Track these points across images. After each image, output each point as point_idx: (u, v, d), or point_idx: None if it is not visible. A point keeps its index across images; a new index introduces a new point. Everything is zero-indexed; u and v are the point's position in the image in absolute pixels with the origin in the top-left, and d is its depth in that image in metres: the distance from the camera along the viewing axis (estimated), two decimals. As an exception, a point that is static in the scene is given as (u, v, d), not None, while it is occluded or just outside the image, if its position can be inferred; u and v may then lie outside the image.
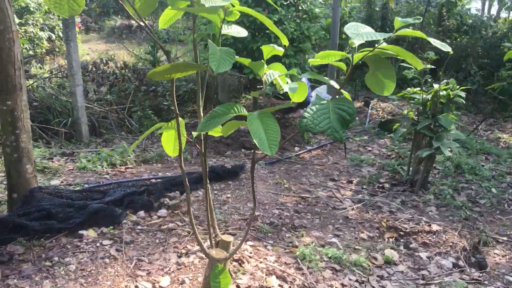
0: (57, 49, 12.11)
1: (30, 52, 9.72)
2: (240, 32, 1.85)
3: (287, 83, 1.94)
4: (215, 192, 4.31)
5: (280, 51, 1.79)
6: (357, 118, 7.49)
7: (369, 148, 6.09)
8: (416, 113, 4.76)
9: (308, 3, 6.17)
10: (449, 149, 4.39)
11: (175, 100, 1.93)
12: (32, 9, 10.97)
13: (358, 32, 1.64)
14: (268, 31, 5.70)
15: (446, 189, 4.71)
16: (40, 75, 6.83)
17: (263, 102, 7.45)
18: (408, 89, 4.80)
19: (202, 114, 2.11)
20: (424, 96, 4.58)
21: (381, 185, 4.94)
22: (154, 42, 6.83)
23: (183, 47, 9.47)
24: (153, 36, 1.81)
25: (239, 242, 2.25)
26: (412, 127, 4.72)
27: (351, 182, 4.97)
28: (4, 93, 3.01)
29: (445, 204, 4.46)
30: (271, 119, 1.66)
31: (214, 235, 2.29)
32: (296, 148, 5.94)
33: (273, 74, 1.90)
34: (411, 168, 4.94)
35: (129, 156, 4.92)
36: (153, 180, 4.37)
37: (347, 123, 1.58)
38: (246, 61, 1.93)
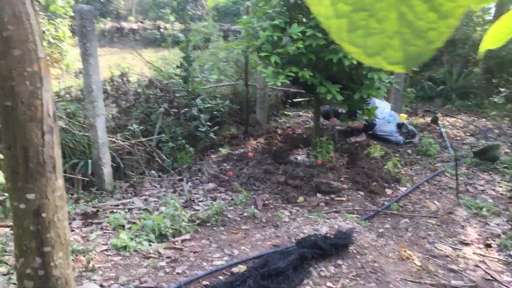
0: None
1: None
2: None
3: None
4: (328, 283, 2.88)
5: None
6: (433, 142, 6.11)
7: (478, 187, 4.71)
8: None
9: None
10: None
11: None
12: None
13: None
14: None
15: None
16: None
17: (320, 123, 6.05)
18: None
19: None
20: None
21: (528, 249, 3.60)
22: (186, 52, 5.34)
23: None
24: None
25: None
26: None
27: (489, 246, 3.59)
28: (20, 179, 1.54)
29: None
30: None
31: None
32: (388, 191, 4.52)
33: None
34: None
35: (183, 221, 3.44)
36: (234, 269, 2.91)
37: None
38: None
